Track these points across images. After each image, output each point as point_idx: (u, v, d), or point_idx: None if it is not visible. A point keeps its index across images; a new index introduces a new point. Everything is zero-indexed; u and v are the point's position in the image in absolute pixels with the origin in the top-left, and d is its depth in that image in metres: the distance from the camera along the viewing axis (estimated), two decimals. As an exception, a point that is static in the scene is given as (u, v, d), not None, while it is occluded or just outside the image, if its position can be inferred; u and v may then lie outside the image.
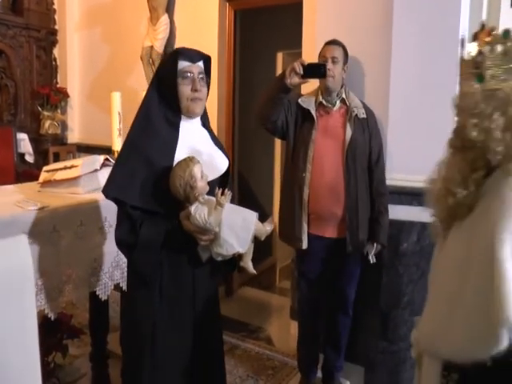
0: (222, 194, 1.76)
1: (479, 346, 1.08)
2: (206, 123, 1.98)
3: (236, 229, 1.78)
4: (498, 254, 1.04)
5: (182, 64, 1.82)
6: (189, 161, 1.76)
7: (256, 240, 1.84)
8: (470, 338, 1.10)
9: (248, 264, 1.86)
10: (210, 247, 1.81)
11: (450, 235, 1.27)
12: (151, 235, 1.76)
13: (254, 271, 1.86)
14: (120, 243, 1.84)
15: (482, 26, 1.27)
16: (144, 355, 1.84)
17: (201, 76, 1.85)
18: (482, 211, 1.17)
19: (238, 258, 1.86)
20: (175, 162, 1.79)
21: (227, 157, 2.01)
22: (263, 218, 1.86)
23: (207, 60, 1.91)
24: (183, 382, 1.90)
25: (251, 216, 1.83)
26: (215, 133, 2.07)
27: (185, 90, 1.82)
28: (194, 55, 1.85)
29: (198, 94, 1.83)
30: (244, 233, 1.80)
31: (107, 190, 1.84)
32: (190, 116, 1.87)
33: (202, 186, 1.76)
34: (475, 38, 1.27)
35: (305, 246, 2.73)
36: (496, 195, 1.14)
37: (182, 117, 1.86)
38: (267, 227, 1.84)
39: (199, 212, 1.74)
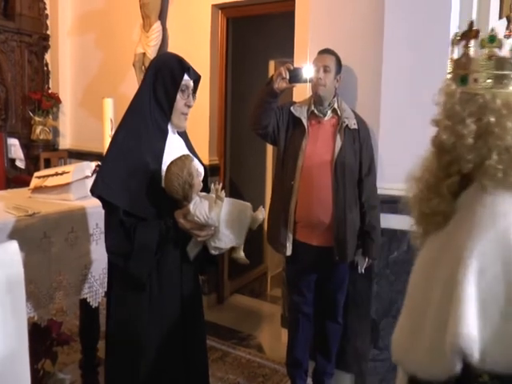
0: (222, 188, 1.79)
1: (437, 367, 1.03)
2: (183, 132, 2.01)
3: (233, 221, 1.80)
4: (461, 276, 0.99)
5: (184, 77, 1.85)
6: (184, 159, 1.78)
7: (248, 231, 1.86)
8: (429, 359, 1.05)
9: (241, 255, 1.87)
10: (208, 242, 1.82)
11: (426, 244, 1.22)
12: (146, 240, 1.74)
13: (247, 261, 1.87)
14: (113, 252, 1.80)
15: (470, 26, 1.19)
16: (135, 356, 1.83)
17: (191, 92, 1.90)
18: (456, 226, 1.12)
19: (230, 250, 1.88)
20: (163, 167, 1.79)
21: (203, 164, 2.04)
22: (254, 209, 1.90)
23: (198, 78, 1.96)
24: (173, 380, 1.90)
25: (246, 207, 1.87)
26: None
27: (180, 103, 1.85)
28: (193, 72, 1.89)
29: (188, 110, 1.89)
30: (240, 225, 1.82)
31: (97, 189, 1.79)
32: (177, 129, 1.92)
33: (198, 182, 1.79)
34: (462, 37, 1.20)
35: (288, 252, 2.74)
36: (469, 210, 1.09)
37: (169, 126, 1.89)
38: (259, 216, 1.86)
39: (199, 209, 1.74)
